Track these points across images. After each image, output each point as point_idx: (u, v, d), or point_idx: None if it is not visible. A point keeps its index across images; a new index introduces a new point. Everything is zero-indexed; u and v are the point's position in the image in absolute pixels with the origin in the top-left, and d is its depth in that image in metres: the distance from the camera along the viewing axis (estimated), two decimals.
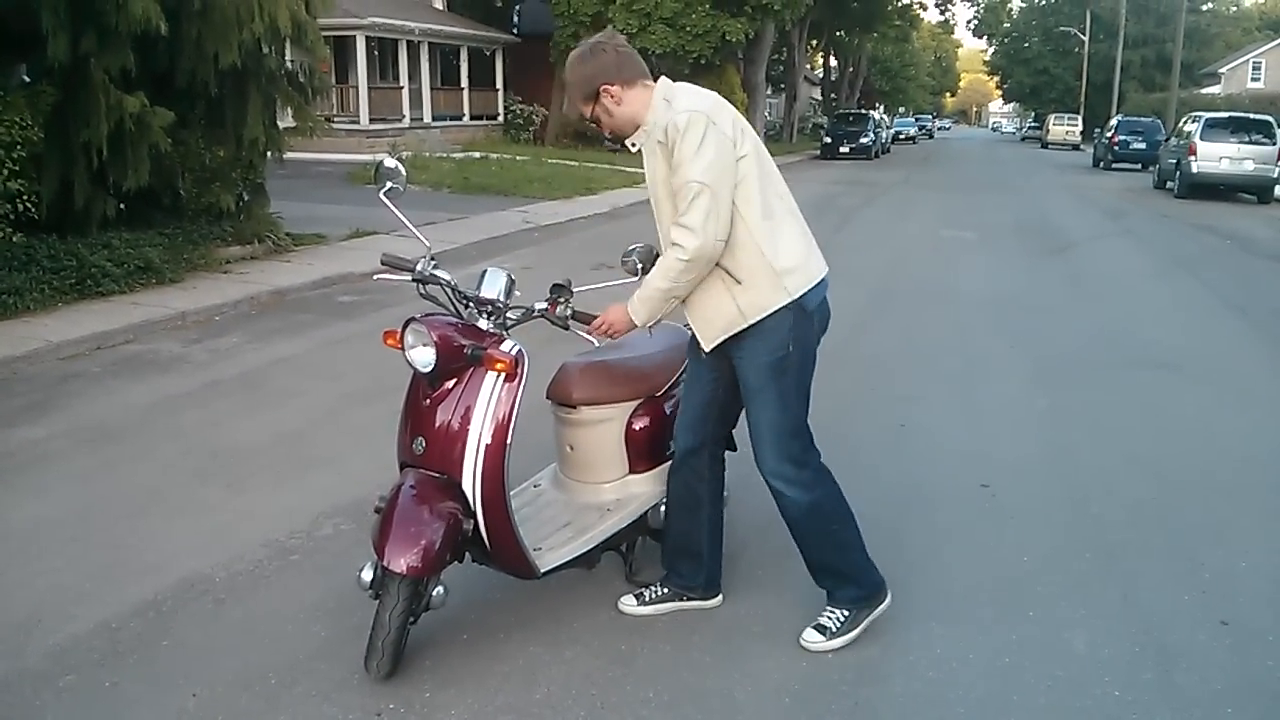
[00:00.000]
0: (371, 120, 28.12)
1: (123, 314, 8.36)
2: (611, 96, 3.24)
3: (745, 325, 3.23)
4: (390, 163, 3.50)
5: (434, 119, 30.39)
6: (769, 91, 48.54)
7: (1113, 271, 12.45)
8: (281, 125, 11.70)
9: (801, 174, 29.00)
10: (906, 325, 8.87)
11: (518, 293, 3.41)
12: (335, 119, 27.33)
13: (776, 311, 3.21)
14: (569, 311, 3.34)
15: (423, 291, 3.47)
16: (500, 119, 33.13)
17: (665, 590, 3.70)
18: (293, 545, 4.25)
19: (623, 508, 3.64)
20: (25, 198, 7.88)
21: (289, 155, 11.91)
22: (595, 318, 3.35)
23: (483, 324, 3.26)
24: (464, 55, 32.20)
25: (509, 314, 3.31)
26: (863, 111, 44.02)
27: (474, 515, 3.18)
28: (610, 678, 3.29)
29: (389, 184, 3.38)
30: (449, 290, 3.34)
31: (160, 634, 3.54)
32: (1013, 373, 7.29)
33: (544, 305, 3.36)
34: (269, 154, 11.28)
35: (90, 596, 3.79)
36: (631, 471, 3.70)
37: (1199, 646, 3.56)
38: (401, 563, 2.99)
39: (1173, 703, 3.23)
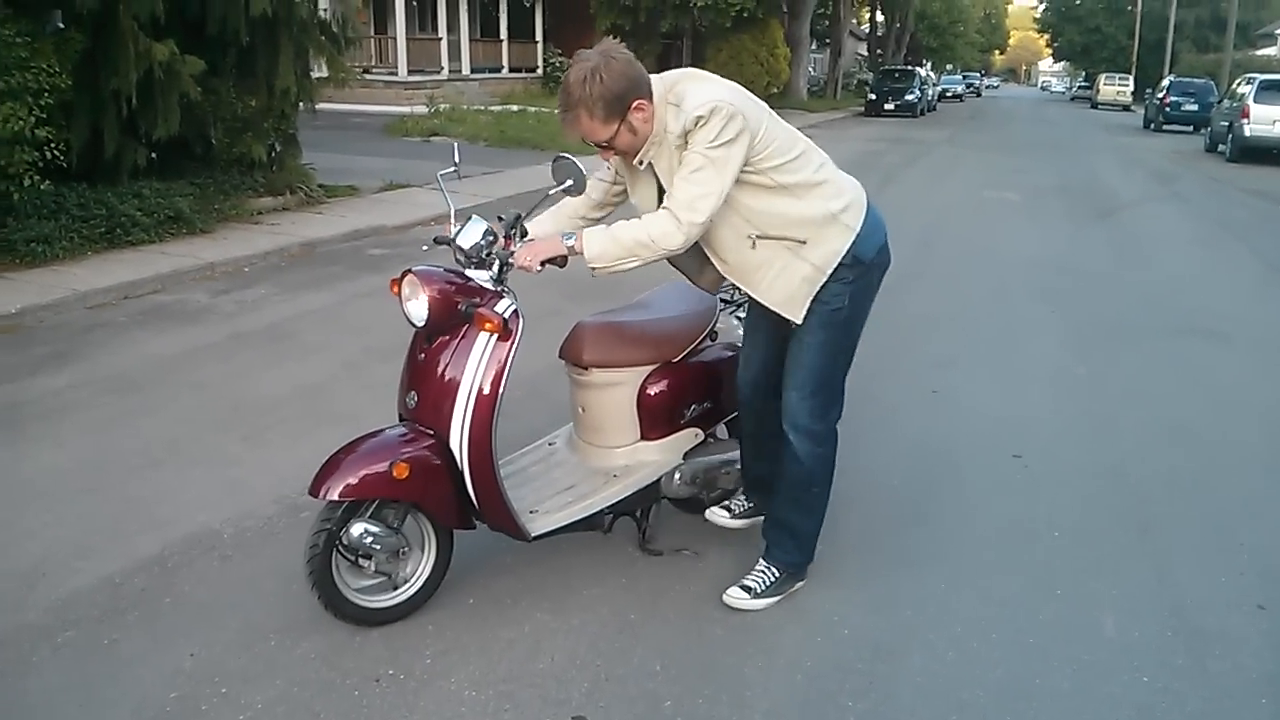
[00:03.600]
0: (410, 72, 27.98)
1: (151, 264, 8.33)
2: (642, 112, 2.97)
3: (826, 278, 3.15)
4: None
5: (472, 71, 30.20)
6: (813, 46, 47.82)
7: (1159, 236, 12.11)
8: (316, 76, 11.62)
9: (844, 131, 28.57)
10: (944, 288, 8.66)
11: (502, 241, 3.19)
12: (373, 70, 27.30)
13: (844, 259, 3.15)
14: (517, 248, 3.11)
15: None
16: (539, 71, 32.86)
17: (753, 505, 3.72)
18: (304, 502, 4.12)
19: (630, 474, 3.52)
20: (53, 145, 7.81)
21: (326, 107, 11.84)
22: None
23: (483, 279, 3.13)
24: (503, 6, 31.89)
25: (484, 263, 3.15)
26: (909, 68, 43.20)
27: (460, 473, 3.11)
28: (617, 648, 3.20)
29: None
30: (452, 245, 3.22)
31: (164, 590, 3.49)
32: (1052, 338, 7.08)
33: (500, 248, 3.14)
34: (301, 104, 11.17)
35: (96, 550, 3.74)
36: (644, 438, 3.57)
37: (1234, 631, 3.40)
38: (323, 488, 3.03)
39: (1204, 691, 3.09)
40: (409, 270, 3.11)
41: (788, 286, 3.16)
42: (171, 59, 8.89)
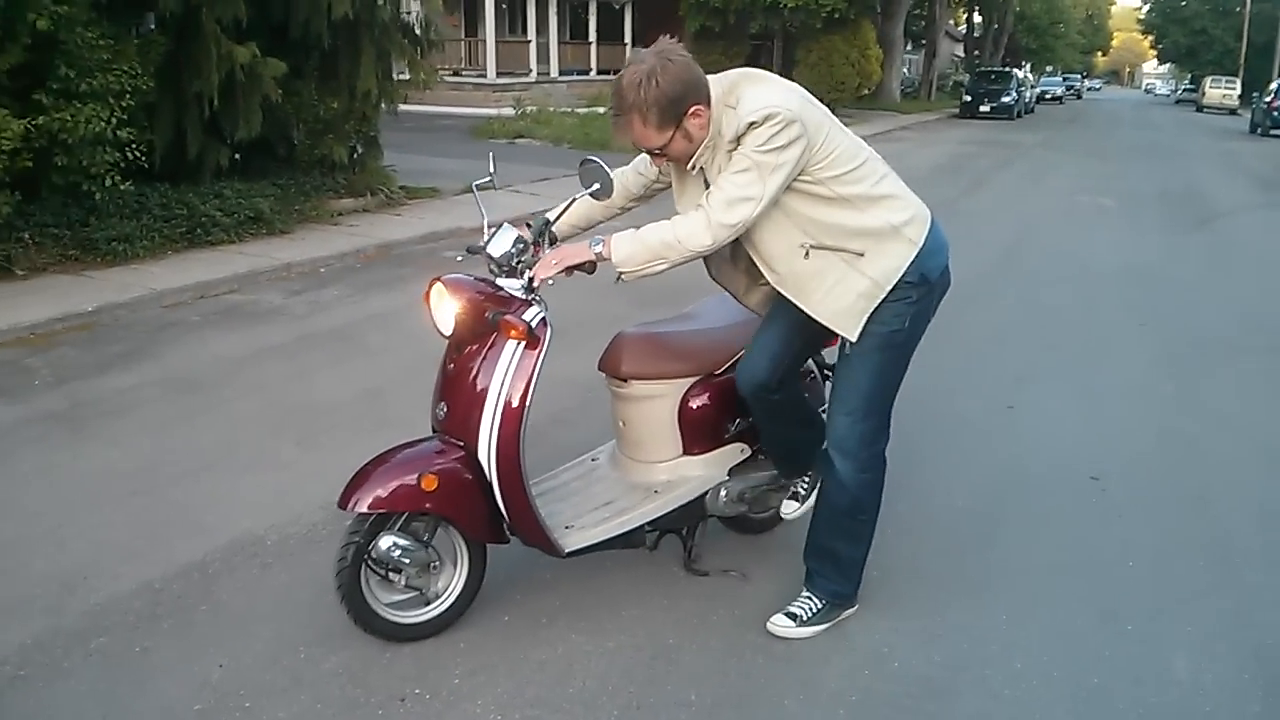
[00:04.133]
0: (499, 74, 28.17)
1: (228, 263, 8.43)
2: (699, 118, 2.81)
3: (884, 294, 2.96)
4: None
5: (560, 73, 30.30)
6: (908, 48, 47.06)
7: (1260, 247, 11.55)
8: (399, 78, 11.69)
9: (937, 133, 28.02)
10: (1028, 297, 8.34)
11: (532, 249, 3.09)
12: (463, 73, 27.57)
13: (905, 275, 2.96)
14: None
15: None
16: None
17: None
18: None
19: (671, 490, 3.39)
20: (135, 146, 7.95)
21: (415, 109, 11.89)
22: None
23: (514, 288, 3.03)
24: (592, 9, 31.96)
25: (515, 271, 3.06)
26: (1006, 69, 42.21)
27: (490, 486, 3.03)
28: (652, 675, 3.07)
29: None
30: (483, 254, 3.13)
31: (201, 598, 3.46)
32: (1140, 354, 6.75)
33: (530, 256, 3.04)
34: (383, 106, 11.26)
35: (139, 554, 3.73)
36: (686, 453, 3.44)
37: None
38: (351, 499, 2.98)
39: None
40: (437, 279, 3.03)
41: (842, 300, 2.97)
42: (253, 61, 9.01)
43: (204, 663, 3.08)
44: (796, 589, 3.42)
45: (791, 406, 3.36)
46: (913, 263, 2.97)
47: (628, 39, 33.33)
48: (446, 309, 3.02)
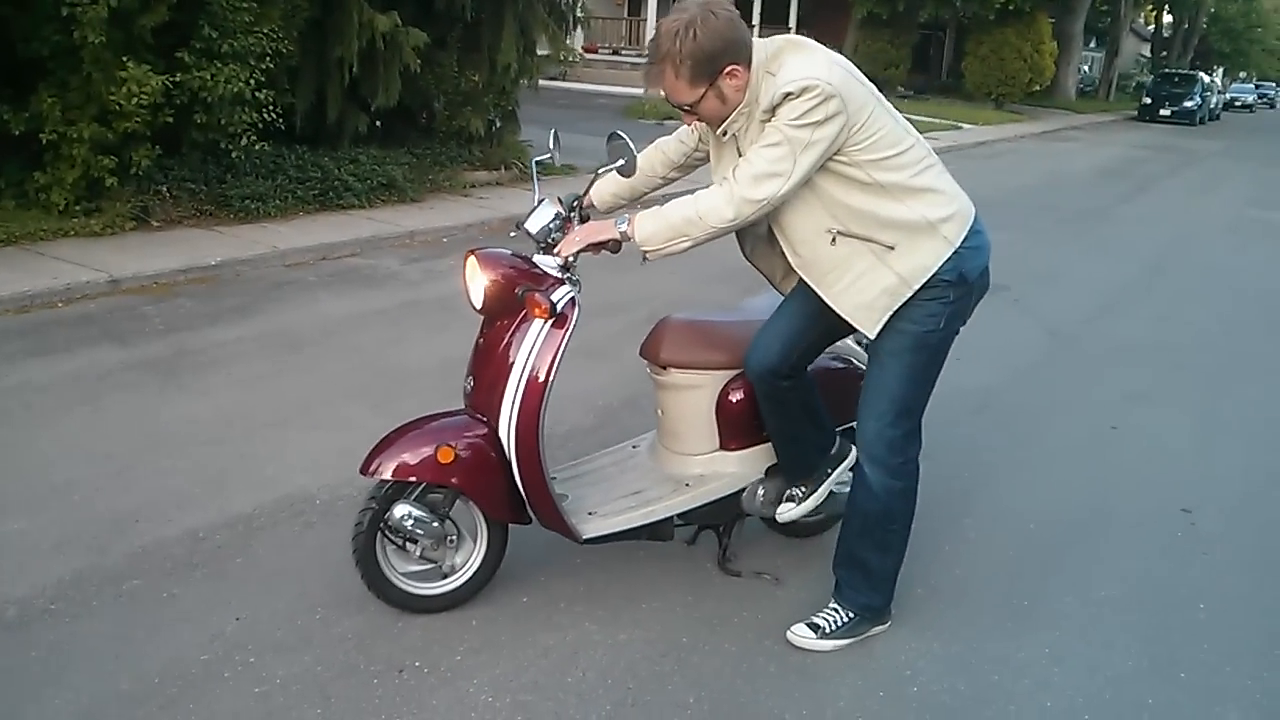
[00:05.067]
0: None
1: (354, 227, 8.66)
2: (735, 80, 2.69)
3: (911, 293, 2.80)
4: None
5: None
6: (1091, 44, 45.09)
7: None
8: (541, 54, 11.79)
9: (1109, 135, 26.80)
10: (1165, 312, 7.85)
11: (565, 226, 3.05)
12: (622, 51, 27.68)
13: (940, 273, 2.80)
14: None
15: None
16: None
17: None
18: None
19: (703, 485, 3.29)
20: (272, 108, 8.21)
21: (572, 85, 12.01)
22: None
23: (550, 265, 2.99)
24: None
25: (549, 249, 3.01)
26: (1191, 72, 39.91)
27: (509, 464, 3.00)
28: (656, 672, 2.98)
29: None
30: (523, 231, 3.09)
31: (239, 550, 3.54)
32: (1272, 386, 6.26)
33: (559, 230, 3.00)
34: (522, 82, 11.36)
35: (194, 502, 3.85)
36: (722, 448, 3.33)
37: None
38: (373, 465, 2.99)
39: None
40: (471, 252, 3.01)
41: (865, 294, 2.81)
42: (394, 30, 9.20)
43: (223, 614, 3.15)
44: (829, 598, 3.29)
45: (800, 398, 3.20)
46: (949, 260, 2.79)
47: (792, 22, 32.88)
48: (478, 283, 3.00)
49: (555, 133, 3.33)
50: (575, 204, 3.03)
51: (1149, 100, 35.39)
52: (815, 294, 2.90)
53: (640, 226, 2.75)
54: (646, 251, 2.78)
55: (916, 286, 2.79)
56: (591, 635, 3.14)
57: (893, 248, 2.77)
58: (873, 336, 2.86)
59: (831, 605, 3.20)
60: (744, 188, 2.66)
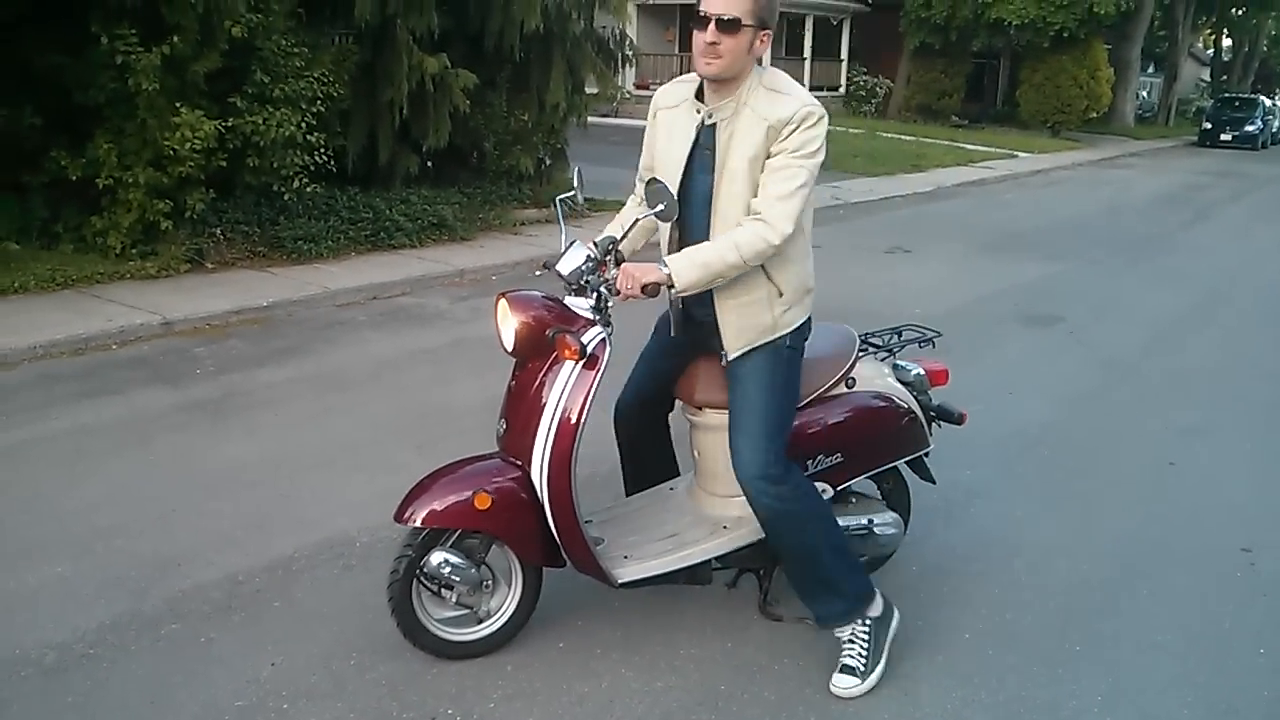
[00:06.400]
0: None
1: (405, 267, 8.74)
2: (763, 44, 2.85)
3: (772, 339, 3.02)
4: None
5: None
6: (1149, 69, 44.47)
7: None
8: (590, 92, 11.86)
9: (1169, 161, 26.34)
10: (1225, 342, 7.65)
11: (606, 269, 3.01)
12: None
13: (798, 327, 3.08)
14: (612, 274, 2.91)
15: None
16: (841, 90, 32.35)
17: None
18: None
19: (741, 527, 3.22)
20: (323, 150, 8.34)
21: (626, 122, 12.06)
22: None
23: (582, 307, 2.96)
24: (808, 25, 31.63)
25: (584, 290, 3.00)
26: (1252, 96, 39.13)
27: (542, 508, 2.97)
28: None
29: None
30: (553, 271, 3.07)
31: (277, 593, 3.54)
32: None
33: (598, 275, 2.98)
34: (572, 119, 11.44)
35: (235, 545, 3.86)
36: None
37: None
38: (407, 512, 2.99)
39: None
40: (502, 295, 3.00)
41: (750, 324, 3.01)
42: (444, 72, 9.32)
43: (259, 659, 3.14)
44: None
45: (653, 441, 3.49)
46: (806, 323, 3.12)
47: (844, 55, 32.87)
48: (509, 325, 2.99)
49: (579, 170, 3.32)
50: (611, 247, 3.00)
51: (1209, 125, 34.71)
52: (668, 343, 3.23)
53: (679, 275, 2.81)
54: (683, 293, 2.86)
55: (779, 335, 3.02)
56: (629, 683, 3.09)
57: (782, 295, 2.98)
58: (731, 358, 3.02)
59: (845, 646, 3.11)
60: (785, 224, 2.79)
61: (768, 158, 2.82)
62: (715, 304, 2.99)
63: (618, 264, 2.99)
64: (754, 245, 2.79)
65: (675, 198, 2.85)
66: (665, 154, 3.01)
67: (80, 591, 3.49)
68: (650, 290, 2.85)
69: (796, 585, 3.15)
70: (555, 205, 3.30)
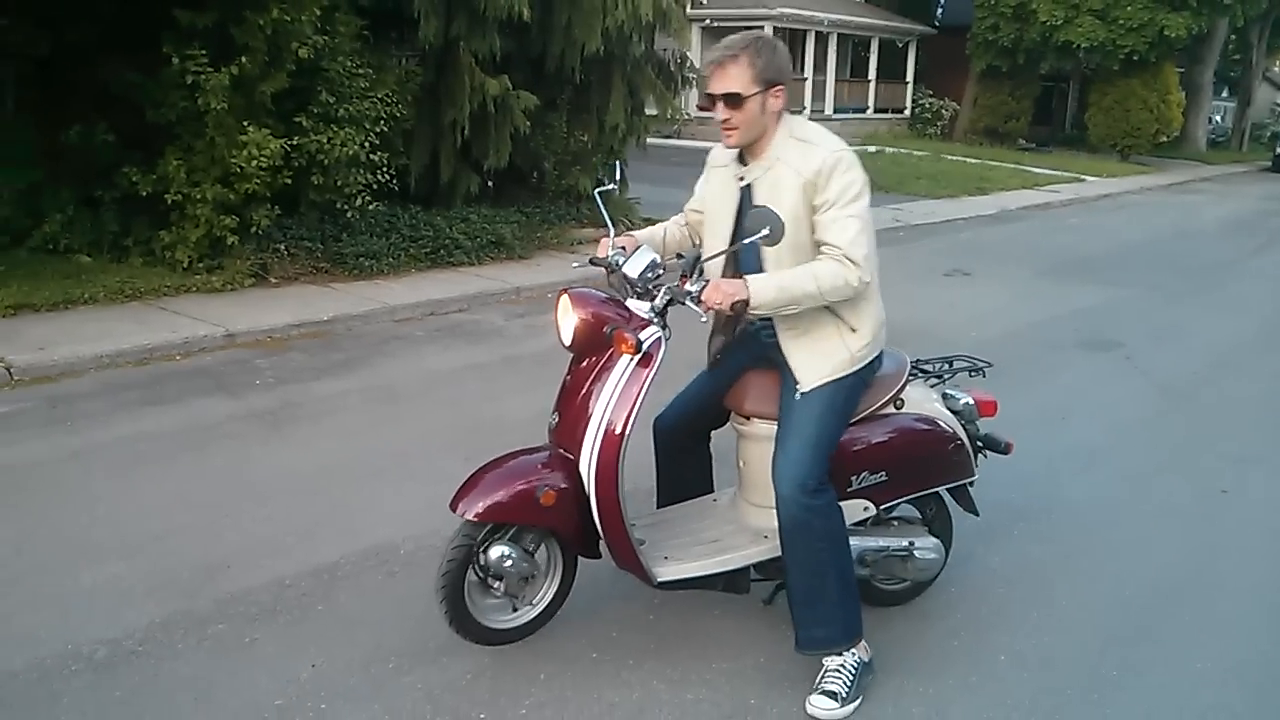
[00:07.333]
0: None
1: (463, 284, 8.87)
2: (778, 99, 2.98)
3: (847, 373, 3.10)
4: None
5: (835, 111, 30.02)
6: (1224, 94, 43.67)
7: None
8: (649, 113, 11.97)
9: (1240, 187, 25.77)
10: None
11: (679, 280, 3.06)
12: None
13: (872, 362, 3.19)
14: (695, 288, 2.95)
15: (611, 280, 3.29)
16: (906, 112, 32.19)
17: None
18: None
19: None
20: (385, 169, 8.52)
21: (688, 144, 12.16)
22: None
23: (642, 310, 3.04)
24: (874, 46, 31.55)
25: (648, 293, 3.08)
26: None
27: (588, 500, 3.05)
28: None
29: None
30: (616, 271, 3.15)
31: (321, 597, 3.63)
32: None
33: (674, 285, 3.05)
34: (634, 140, 11.55)
35: (284, 551, 3.96)
36: None
37: None
38: (463, 504, 3.07)
39: None
40: (564, 290, 3.08)
41: (825, 354, 3.09)
42: (505, 94, 9.47)
43: (300, 661, 3.23)
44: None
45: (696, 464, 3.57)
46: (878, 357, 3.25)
47: (909, 77, 32.71)
48: (569, 320, 3.07)
49: (619, 164, 3.46)
50: (697, 262, 3.04)
51: None
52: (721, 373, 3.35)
53: (757, 292, 2.89)
54: (755, 313, 2.97)
55: (855, 370, 3.12)
56: (659, 694, 3.12)
57: (855, 330, 3.09)
58: (806, 390, 3.08)
59: (829, 668, 3.10)
60: (863, 273, 2.91)
61: (814, 214, 2.92)
62: (779, 336, 3.10)
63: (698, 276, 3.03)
64: (834, 281, 2.89)
65: (781, 221, 2.86)
66: (714, 214, 3.18)
67: (134, 591, 3.61)
68: (738, 307, 2.90)
69: (793, 601, 3.14)
70: (596, 196, 3.39)
